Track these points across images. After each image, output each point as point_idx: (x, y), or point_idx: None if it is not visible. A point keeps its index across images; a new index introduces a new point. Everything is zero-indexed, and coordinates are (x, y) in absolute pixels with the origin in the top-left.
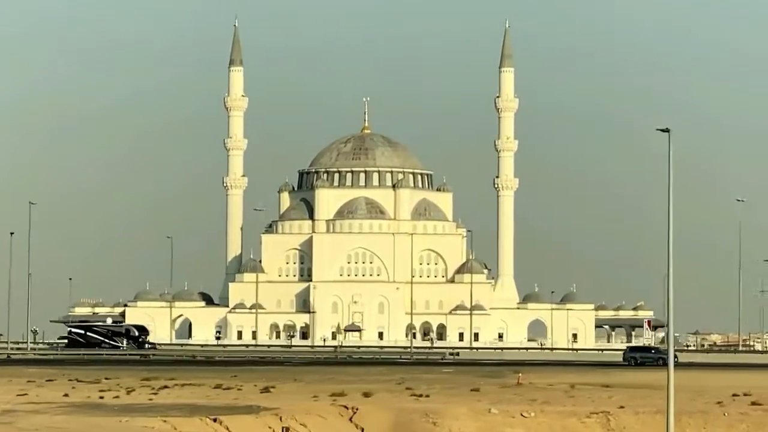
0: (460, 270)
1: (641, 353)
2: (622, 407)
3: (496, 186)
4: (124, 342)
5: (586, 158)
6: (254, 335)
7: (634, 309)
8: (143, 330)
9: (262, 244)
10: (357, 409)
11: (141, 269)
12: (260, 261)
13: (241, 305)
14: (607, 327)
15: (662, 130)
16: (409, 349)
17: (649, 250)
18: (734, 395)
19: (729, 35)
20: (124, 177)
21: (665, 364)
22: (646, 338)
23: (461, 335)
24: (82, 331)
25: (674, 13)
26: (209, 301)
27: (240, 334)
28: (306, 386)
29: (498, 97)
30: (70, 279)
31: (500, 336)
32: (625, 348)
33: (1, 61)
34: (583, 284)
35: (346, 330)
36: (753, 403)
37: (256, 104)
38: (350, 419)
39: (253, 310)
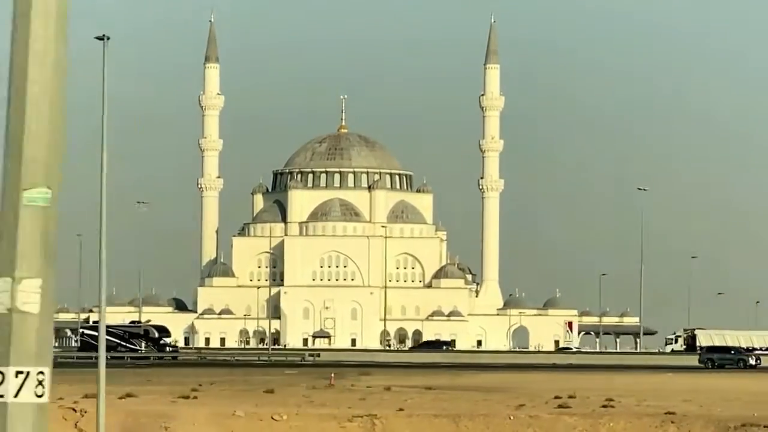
0: (438, 275)
1: (720, 354)
2: (401, 410)
3: (480, 187)
4: (143, 344)
5: (575, 159)
6: (222, 342)
7: (620, 315)
8: (164, 331)
9: (233, 248)
10: (86, 412)
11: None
12: (231, 265)
13: (209, 311)
14: (591, 333)
15: None
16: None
17: (637, 255)
18: (556, 397)
19: (714, 32)
20: (92, 176)
21: (747, 366)
22: (567, 340)
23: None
24: (96, 333)
25: (663, 10)
26: (182, 306)
27: (207, 341)
28: (85, 387)
29: (483, 95)
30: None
31: (479, 343)
32: (700, 348)
33: None
34: (568, 289)
35: (315, 336)
36: (560, 406)
37: (230, 103)
38: (76, 423)
39: (222, 316)
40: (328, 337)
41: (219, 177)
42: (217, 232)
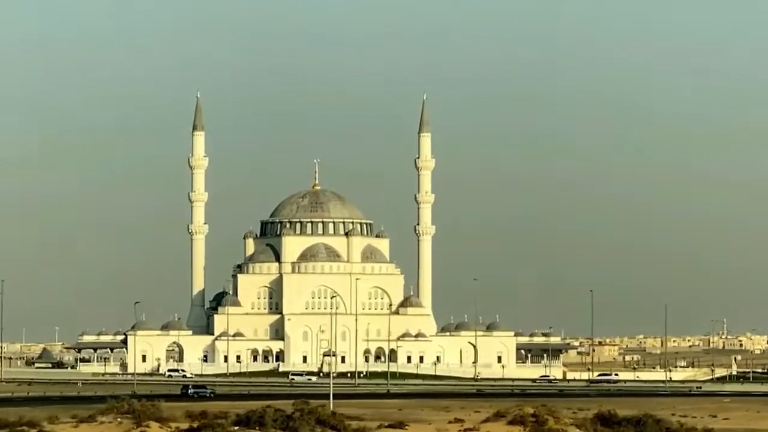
0: (403, 304)
1: None
2: None
3: (417, 232)
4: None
5: (495, 206)
6: (238, 359)
7: (544, 335)
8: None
9: (238, 283)
10: None
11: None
12: (237, 296)
13: (225, 334)
14: (522, 351)
15: None
16: None
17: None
18: None
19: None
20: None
21: None
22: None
23: (409, 358)
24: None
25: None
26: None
27: (226, 358)
28: None
29: (418, 157)
30: None
31: (438, 359)
32: None
33: None
34: (506, 313)
35: (325, 355)
36: None
37: (218, 162)
38: None
39: (236, 338)
40: (335, 355)
41: (205, 223)
42: (204, 268)
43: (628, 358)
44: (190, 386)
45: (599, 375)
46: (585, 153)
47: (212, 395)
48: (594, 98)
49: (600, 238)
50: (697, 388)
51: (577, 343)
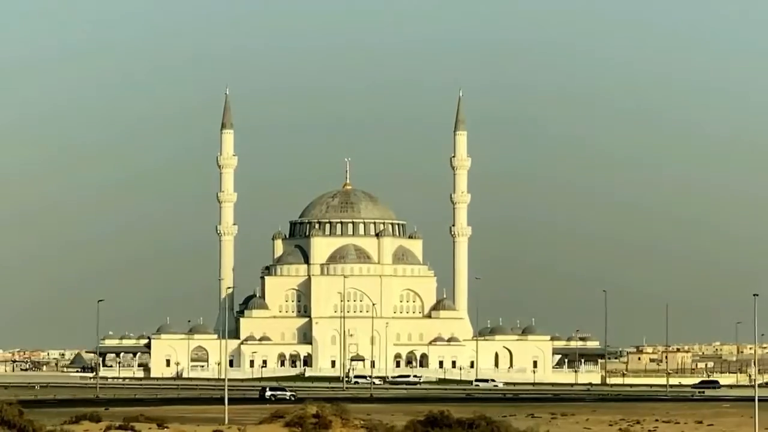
0: (435, 307)
1: None
2: None
3: (452, 233)
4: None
5: (530, 209)
6: (264, 363)
7: (582, 339)
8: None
9: (265, 285)
10: None
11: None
12: (264, 299)
13: (251, 338)
14: (559, 356)
15: None
16: None
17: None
18: None
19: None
20: (128, 225)
21: None
22: None
23: (441, 363)
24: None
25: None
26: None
27: (252, 363)
28: None
29: (453, 156)
30: None
31: (472, 364)
32: None
33: None
34: (541, 317)
35: (352, 360)
36: None
37: (246, 161)
38: None
39: (263, 342)
40: (363, 360)
41: (235, 224)
42: (233, 270)
43: (701, 365)
44: (268, 389)
45: (397, 377)
46: (633, 157)
47: (293, 398)
48: (632, 102)
49: (663, 246)
50: (699, 393)
51: (616, 350)
